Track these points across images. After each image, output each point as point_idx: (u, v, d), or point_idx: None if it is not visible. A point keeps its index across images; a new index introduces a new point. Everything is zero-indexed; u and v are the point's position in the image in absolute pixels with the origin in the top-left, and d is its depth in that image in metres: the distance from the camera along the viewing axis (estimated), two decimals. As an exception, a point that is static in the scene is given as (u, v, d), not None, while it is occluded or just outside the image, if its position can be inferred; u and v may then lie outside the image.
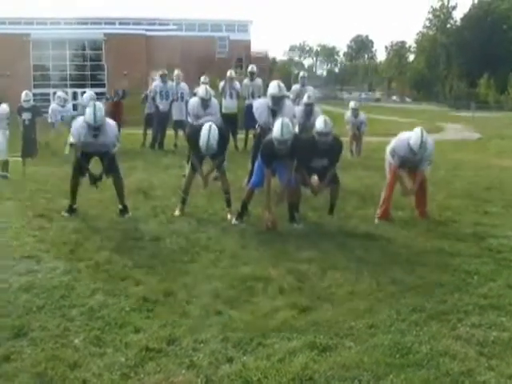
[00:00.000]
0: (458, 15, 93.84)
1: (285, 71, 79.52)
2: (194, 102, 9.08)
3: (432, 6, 74.65)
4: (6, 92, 14.11)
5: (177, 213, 6.76)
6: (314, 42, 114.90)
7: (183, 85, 12.86)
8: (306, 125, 8.57)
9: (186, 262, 5.10)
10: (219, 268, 4.94)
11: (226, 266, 5.00)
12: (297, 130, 8.15)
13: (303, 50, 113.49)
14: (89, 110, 6.31)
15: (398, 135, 6.90)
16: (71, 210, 6.66)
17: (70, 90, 13.59)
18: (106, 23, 43.25)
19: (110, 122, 6.67)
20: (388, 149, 6.88)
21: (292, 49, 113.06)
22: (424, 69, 73.19)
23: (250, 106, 9.46)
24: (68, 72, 39.56)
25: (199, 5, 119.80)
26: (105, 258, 5.07)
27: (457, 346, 3.52)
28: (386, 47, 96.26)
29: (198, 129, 6.44)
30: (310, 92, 10.36)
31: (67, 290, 4.38)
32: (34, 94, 15.16)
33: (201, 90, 9.23)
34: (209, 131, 6.25)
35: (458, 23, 70.92)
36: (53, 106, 13.18)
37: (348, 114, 13.07)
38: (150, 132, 13.17)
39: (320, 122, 6.38)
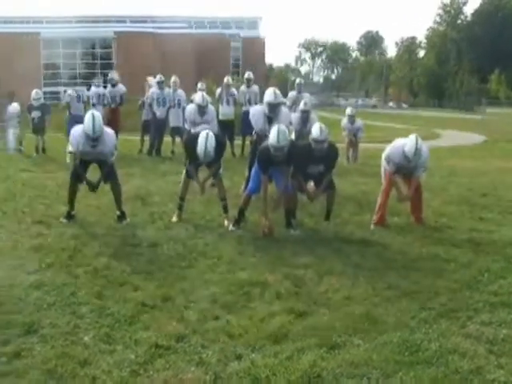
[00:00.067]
0: (468, 11, 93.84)
1: (281, 78, 79.72)
2: (190, 108, 9.13)
3: (442, 2, 75.01)
4: (17, 91, 14.19)
5: (174, 219, 6.79)
6: (323, 39, 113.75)
7: (180, 91, 12.90)
8: (303, 131, 8.61)
9: (184, 267, 5.14)
10: (216, 273, 4.98)
11: (224, 271, 5.03)
12: (293, 136, 8.21)
13: (314, 44, 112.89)
14: (87, 121, 6.32)
15: (393, 142, 6.96)
16: (69, 216, 6.68)
17: (79, 89, 13.59)
18: (116, 21, 43.19)
19: (109, 130, 6.68)
20: (383, 155, 6.93)
21: (303, 44, 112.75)
22: (434, 65, 72.69)
23: (247, 113, 9.53)
24: (78, 70, 39.58)
25: (207, 2, 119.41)
26: (103, 264, 5.10)
27: (466, 344, 3.55)
28: (397, 43, 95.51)
29: (195, 137, 6.48)
30: (307, 99, 10.41)
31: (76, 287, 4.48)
32: (44, 93, 15.27)
33: (197, 96, 9.28)
34: (206, 139, 6.29)
35: (469, 18, 70.91)
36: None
37: (344, 120, 13.13)
38: (147, 138, 13.21)
39: (316, 130, 6.42)
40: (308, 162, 6.48)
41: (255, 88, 12.85)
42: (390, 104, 75.97)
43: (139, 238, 6.06)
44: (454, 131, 27.17)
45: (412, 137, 6.55)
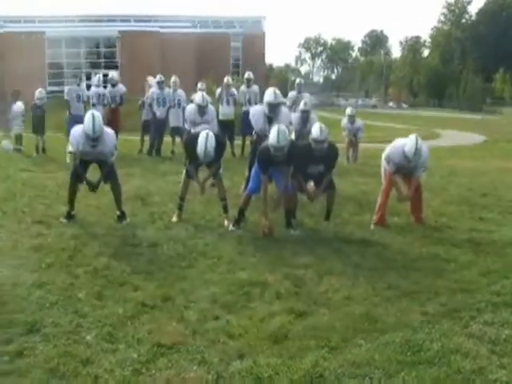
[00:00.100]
0: (472, 10, 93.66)
1: (281, 78, 79.68)
2: (190, 108, 9.13)
3: (447, 1, 74.84)
4: (22, 90, 14.23)
5: (174, 219, 6.79)
6: (328, 36, 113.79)
7: (180, 91, 12.89)
8: (303, 131, 8.62)
9: (184, 267, 5.14)
10: (216, 273, 4.98)
11: (224, 271, 5.04)
12: (293, 136, 8.21)
13: (318, 42, 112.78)
14: (87, 121, 6.33)
15: (393, 142, 6.96)
16: (69, 216, 6.68)
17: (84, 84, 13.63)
18: (120, 20, 43.15)
19: (109, 131, 6.68)
20: (383, 155, 6.94)
21: (307, 41, 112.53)
22: (438, 64, 72.46)
23: (247, 113, 9.53)
24: (82, 70, 39.61)
25: (207, 2, 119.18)
26: (103, 264, 5.10)
27: (469, 344, 3.56)
28: (401, 42, 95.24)
29: (195, 137, 6.48)
30: (307, 99, 10.40)
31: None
32: (49, 92, 15.29)
33: (197, 96, 9.28)
34: (206, 139, 6.29)
35: (473, 18, 70.78)
36: (69, 86, 13.24)
37: (344, 120, 13.14)
38: (147, 139, 13.21)
39: (316, 130, 6.43)
40: (308, 162, 6.48)
41: (255, 88, 12.85)
42: (390, 104, 75.93)
43: (139, 238, 6.06)
44: (453, 131, 27.21)
45: (412, 137, 6.56)
